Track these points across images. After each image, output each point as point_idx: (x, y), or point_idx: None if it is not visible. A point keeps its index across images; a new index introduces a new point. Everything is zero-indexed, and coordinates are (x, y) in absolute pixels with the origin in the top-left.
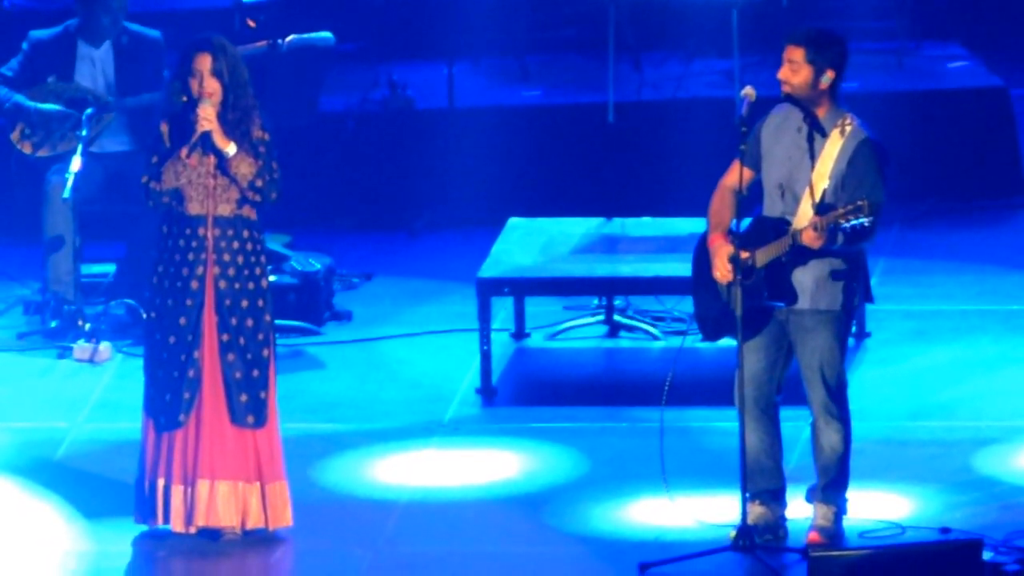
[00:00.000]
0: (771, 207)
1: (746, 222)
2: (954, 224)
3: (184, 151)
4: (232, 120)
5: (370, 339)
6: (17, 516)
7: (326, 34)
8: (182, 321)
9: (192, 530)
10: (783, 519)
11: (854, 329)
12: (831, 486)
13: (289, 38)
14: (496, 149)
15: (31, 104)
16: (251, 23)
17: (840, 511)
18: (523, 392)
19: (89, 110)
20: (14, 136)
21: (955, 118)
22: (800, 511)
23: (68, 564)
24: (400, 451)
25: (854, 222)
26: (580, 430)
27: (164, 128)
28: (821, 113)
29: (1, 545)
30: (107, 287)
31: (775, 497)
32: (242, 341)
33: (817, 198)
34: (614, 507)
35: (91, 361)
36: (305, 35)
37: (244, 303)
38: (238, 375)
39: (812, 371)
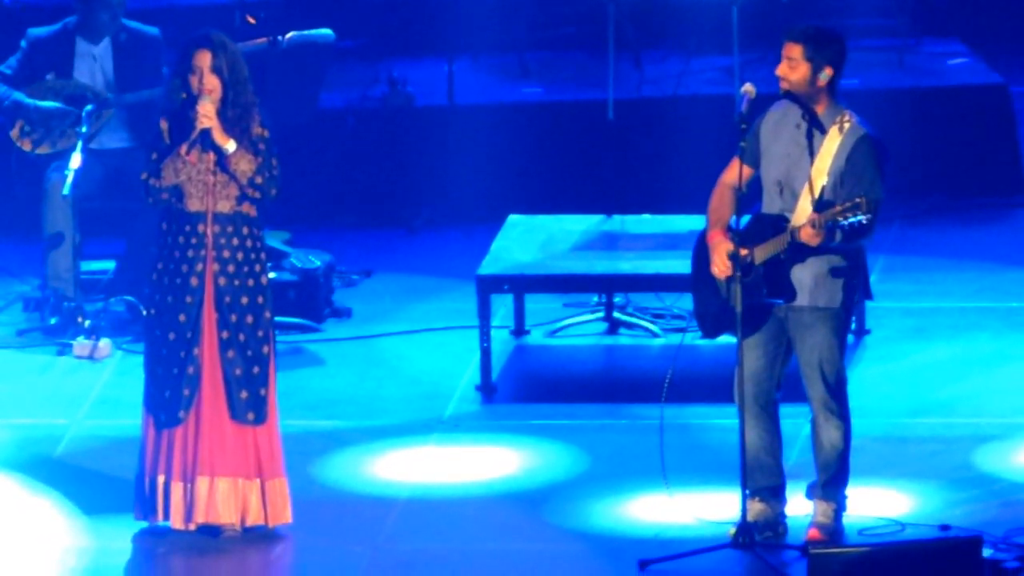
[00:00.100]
0: (770, 204)
1: (745, 219)
2: (954, 221)
3: (184, 148)
4: (232, 117)
5: (370, 336)
6: (17, 513)
7: (326, 31)
8: (182, 318)
9: (192, 527)
10: (783, 516)
11: (854, 326)
12: (831, 483)
13: (289, 35)
14: (496, 146)
15: (30, 101)
16: (251, 20)
17: (840, 508)
18: (523, 389)
19: (89, 107)
20: (14, 133)
21: (955, 115)
22: (800, 508)
23: (68, 560)
24: (400, 448)
25: (852, 219)
26: (580, 427)
27: (164, 125)
28: (820, 110)
29: (1, 542)
30: (107, 284)
31: (775, 494)
32: (242, 338)
33: (816, 195)
34: (614, 504)
35: (91, 358)
36: (305, 32)
37: (244, 300)
38: (238, 372)
39: (811, 368)
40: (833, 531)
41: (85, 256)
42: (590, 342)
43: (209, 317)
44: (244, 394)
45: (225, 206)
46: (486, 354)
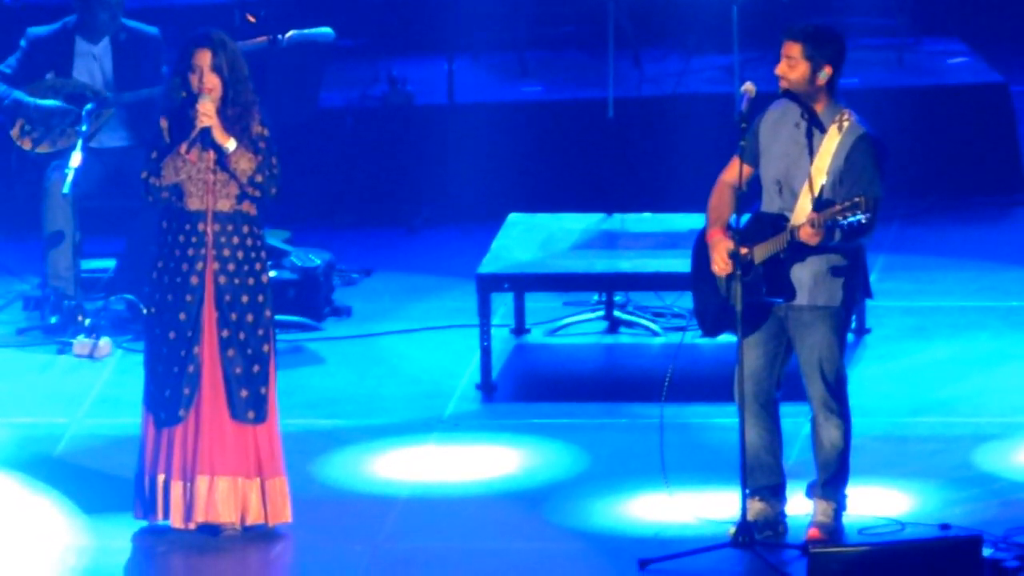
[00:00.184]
0: (769, 203)
1: (745, 218)
2: (954, 220)
3: (184, 147)
4: (232, 116)
5: (370, 335)
6: (17, 512)
7: (326, 30)
8: (182, 317)
9: (191, 526)
10: (783, 515)
11: (854, 325)
12: (831, 482)
13: (289, 34)
14: (496, 145)
15: (30, 100)
16: (251, 19)
17: (840, 507)
18: (523, 388)
19: (89, 106)
20: (14, 132)
21: (955, 114)
22: (800, 507)
23: (68, 560)
24: (400, 447)
25: (851, 218)
26: (580, 426)
27: (164, 124)
28: (819, 109)
29: (1, 541)
30: (107, 283)
31: (775, 493)
32: (242, 337)
33: (815, 194)
34: (614, 503)
35: (91, 357)
36: (305, 31)
37: (244, 299)
38: (238, 371)
39: (811, 367)
40: (833, 530)
41: (85, 255)
42: (590, 341)
43: (209, 316)
44: (244, 393)
45: (225, 205)
46: (486, 353)
